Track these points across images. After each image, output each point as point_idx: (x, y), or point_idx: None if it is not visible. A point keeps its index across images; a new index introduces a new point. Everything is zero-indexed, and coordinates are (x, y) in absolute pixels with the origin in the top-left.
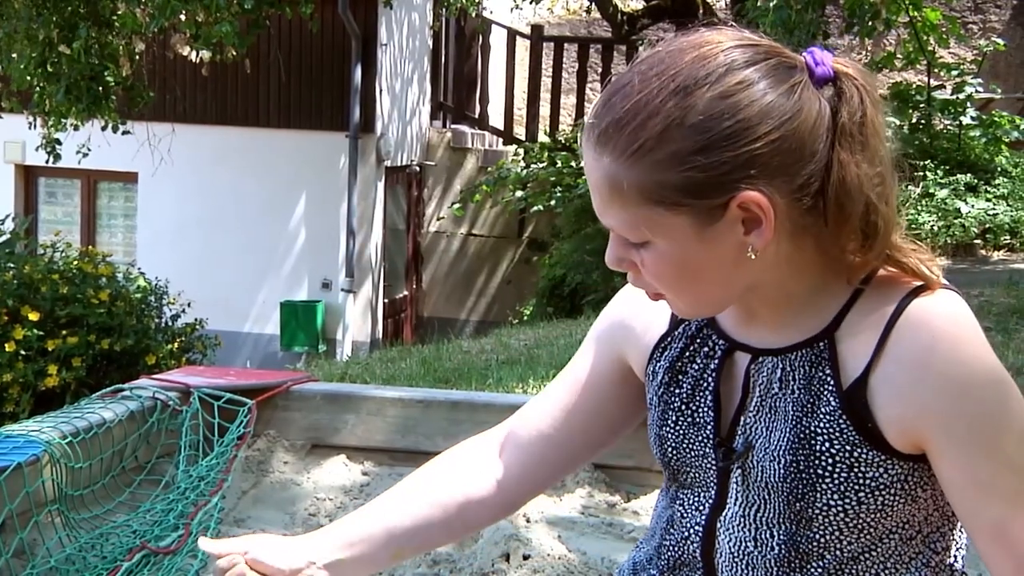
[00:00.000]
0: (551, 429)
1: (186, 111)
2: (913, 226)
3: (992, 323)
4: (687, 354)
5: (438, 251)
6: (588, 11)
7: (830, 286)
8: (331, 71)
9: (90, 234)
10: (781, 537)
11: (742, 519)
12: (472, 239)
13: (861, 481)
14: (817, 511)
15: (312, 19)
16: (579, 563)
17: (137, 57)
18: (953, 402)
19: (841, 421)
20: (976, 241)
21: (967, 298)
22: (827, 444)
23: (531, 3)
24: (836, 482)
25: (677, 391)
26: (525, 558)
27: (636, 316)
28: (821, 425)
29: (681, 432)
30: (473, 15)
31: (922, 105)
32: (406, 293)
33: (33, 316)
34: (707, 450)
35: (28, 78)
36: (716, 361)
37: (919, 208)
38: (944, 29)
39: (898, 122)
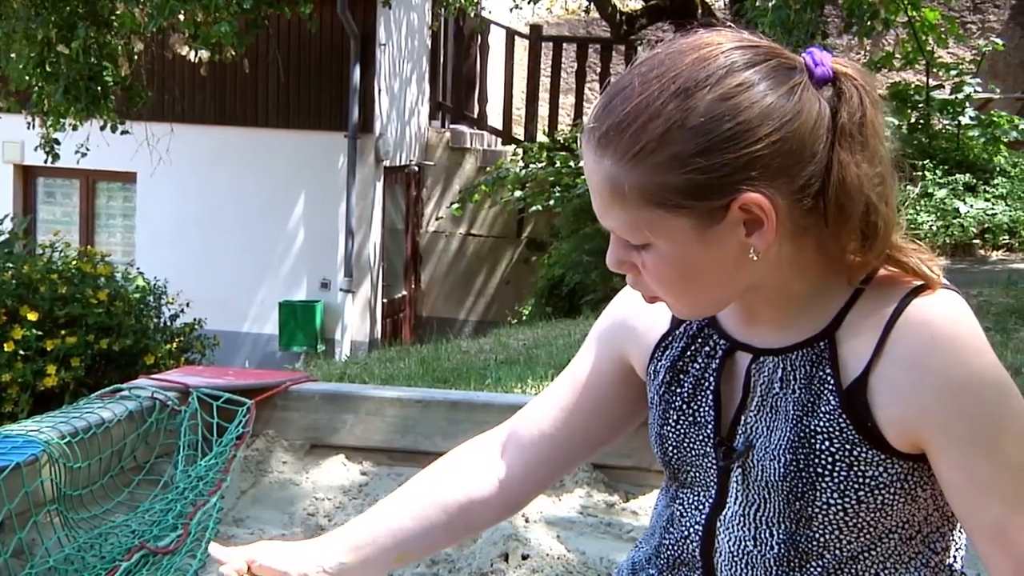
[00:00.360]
0: (552, 428)
1: (185, 111)
2: (912, 226)
3: (991, 323)
4: (688, 353)
5: (437, 251)
6: (587, 11)
7: (831, 286)
8: (330, 71)
9: (89, 234)
10: (781, 536)
11: (742, 518)
12: (471, 239)
13: (861, 480)
14: (817, 510)
15: (311, 19)
16: (578, 563)
17: (136, 57)
18: (952, 403)
19: (841, 420)
20: (975, 241)
21: (966, 298)
22: (827, 443)
23: (530, 3)
24: (836, 481)
25: (678, 390)
26: (524, 558)
27: (637, 315)
28: (821, 424)
29: (682, 431)
30: (472, 15)
31: (921, 105)
32: (405, 293)
33: (32, 316)
34: (708, 449)
35: (27, 78)
36: (717, 361)
37: (918, 208)
38: (943, 29)
39: (897, 122)
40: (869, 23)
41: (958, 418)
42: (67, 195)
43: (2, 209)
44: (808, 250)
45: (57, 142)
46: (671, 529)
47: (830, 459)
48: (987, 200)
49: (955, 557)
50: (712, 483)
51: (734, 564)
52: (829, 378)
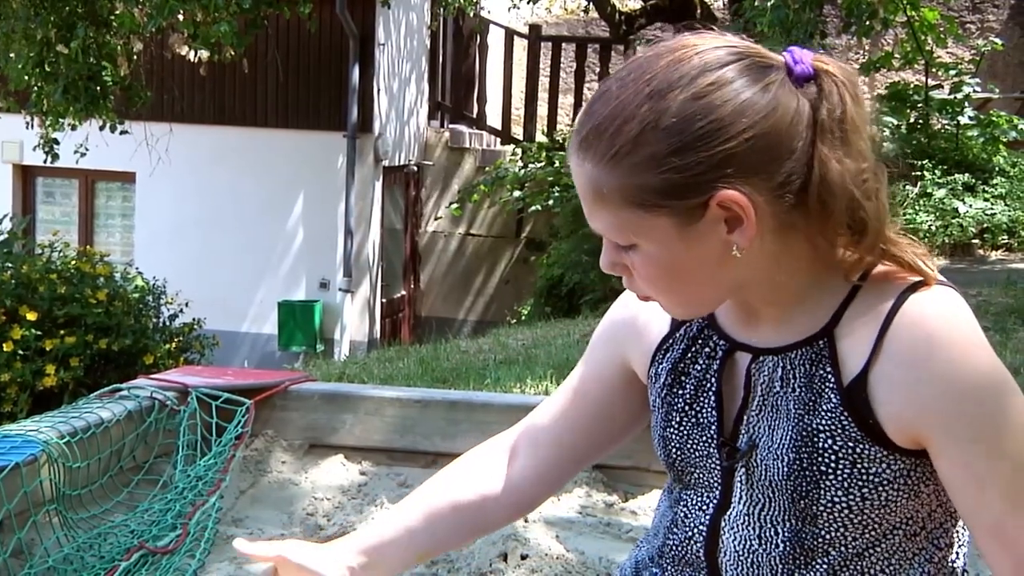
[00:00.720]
0: (558, 433)
1: (184, 111)
2: (911, 226)
3: (990, 323)
4: (689, 355)
5: (436, 251)
6: (586, 11)
7: (826, 283)
8: (329, 71)
9: (88, 234)
10: (786, 535)
11: (747, 517)
12: (470, 239)
13: (864, 477)
14: (822, 508)
15: (310, 19)
16: (577, 563)
17: (135, 57)
18: (951, 402)
19: (843, 418)
20: (974, 241)
21: (965, 297)
22: (829, 441)
23: (529, 3)
24: (840, 478)
25: (680, 392)
26: (523, 558)
27: (637, 318)
28: (823, 422)
29: (685, 433)
30: (471, 15)
31: (920, 105)
32: (404, 293)
33: (31, 316)
34: (711, 450)
35: (26, 78)
36: (718, 362)
37: (917, 208)
38: (942, 29)
39: (896, 122)
40: (868, 23)
41: (958, 417)
42: (66, 195)
43: (1, 209)
44: (796, 246)
45: (56, 142)
46: (675, 530)
47: (833, 457)
48: (986, 200)
49: (958, 554)
50: (716, 484)
51: (739, 563)
52: (830, 376)
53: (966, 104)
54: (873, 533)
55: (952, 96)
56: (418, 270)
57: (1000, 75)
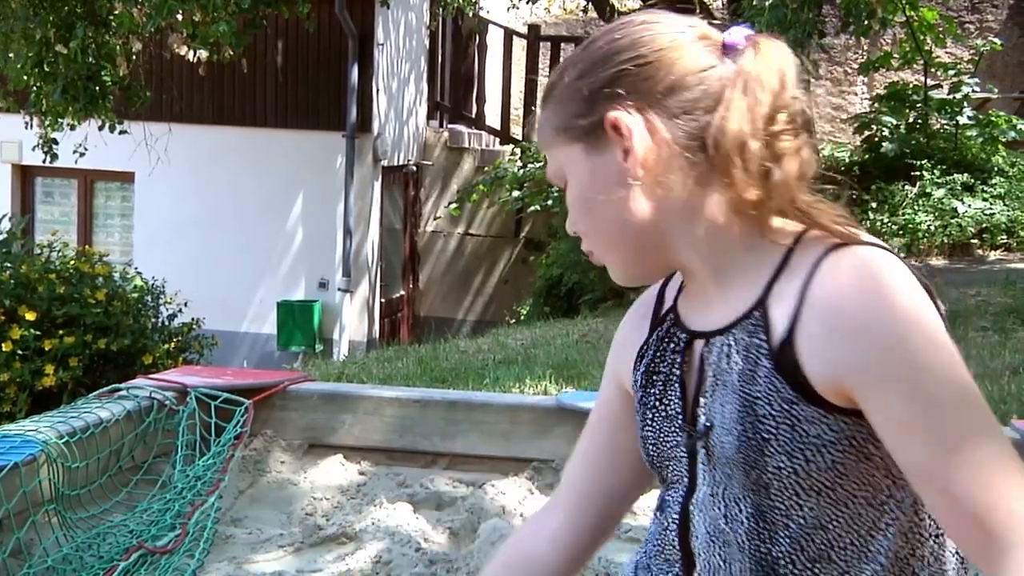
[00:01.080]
0: (587, 486)
1: (183, 111)
2: (910, 225)
3: (989, 323)
4: (659, 355)
5: (435, 251)
6: (585, 10)
7: (761, 252)
8: (328, 71)
9: (87, 234)
10: (748, 510)
11: (711, 498)
12: (469, 239)
13: (805, 439)
14: (771, 476)
15: (309, 19)
16: None
17: (134, 57)
18: (864, 347)
19: (776, 381)
20: (973, 241)
21: (964, 298)
22: (768, 407)
23: (528, 3)
24: (781, 443)
25: (652, 390)
26: None
27: (624, 337)
28: (761, 389)
29: (657, 427)
30: (470, 15)
31: (919, 105)
32: (403, 293)
33: (30, 316)
34: (679, 439)
35: (25, 78)
36: (680, 354)
37: (916, 208)
38: (941, 29)
39: (895, 121)
40: (867, 22)
41: (873, 363)
42: (65, 195)
43: (0, 209)
44: (714, 200)
45: (55, 142)
46: (660, 530)
47: (772, 422)
48: (985, 200)
49: (933, 521)
50: (686, 472)
51: (711, 544)
52: (763, 343)
53: (965, 104)
54: (828, 500)
55: (951, 96)
56: (417, 270)
57: (999, 75)
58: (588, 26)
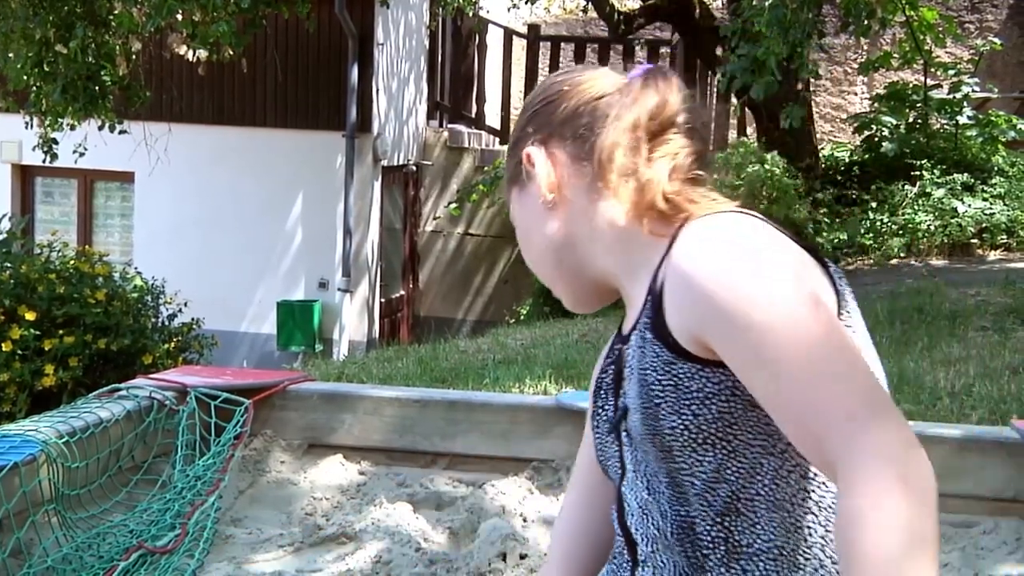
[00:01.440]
0: (579, 527)
1: (183, 111)
2: (910, 225)
3: (989, 323)
4: (603, 370)
5: (435, 250)
6: (585, 11)
7: (656, 245)
8: (328, 71)
9: (87, 234)
10: (664, 479)
11: (634, 475)
12: (469, 238)
13: (688, 395)
14: (668, 437)
15: (309, 18)
16: None
17: (134, 57)
18: (696, 298)
19: (656, 347)
20: (973, 241)
21: (964, 298)
22: (655, 373)
23: (528, 3)
24: (669, 402)
25: (598, 403)
26: (522, 557)
27: (595, 372)
28: (648, 359)
29: (601, 432)
30: (470, 14)
31: (919, 105)
32: (403, 293)
33: (30, 316)
34: (613, 436)
35: (25, 78)
36: (614, 363)
37: (916, 208)
38: (940, 28)
39: (895, 121)
40: (866, 22)
41: (706, 312)
42: (65, 195)
43: (0, 209)
44: (608, 204)
45: (55, 142)
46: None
47: (659, 386)
48: (985, 200)
49: None
50: (618, 460)
51: (644, 519)
52: (648, 320)
53: (965, 104)
54: (724, 451)
55: (951, 96)
56: (417, 270)
57: (999, 75)
58: (588, 26)
